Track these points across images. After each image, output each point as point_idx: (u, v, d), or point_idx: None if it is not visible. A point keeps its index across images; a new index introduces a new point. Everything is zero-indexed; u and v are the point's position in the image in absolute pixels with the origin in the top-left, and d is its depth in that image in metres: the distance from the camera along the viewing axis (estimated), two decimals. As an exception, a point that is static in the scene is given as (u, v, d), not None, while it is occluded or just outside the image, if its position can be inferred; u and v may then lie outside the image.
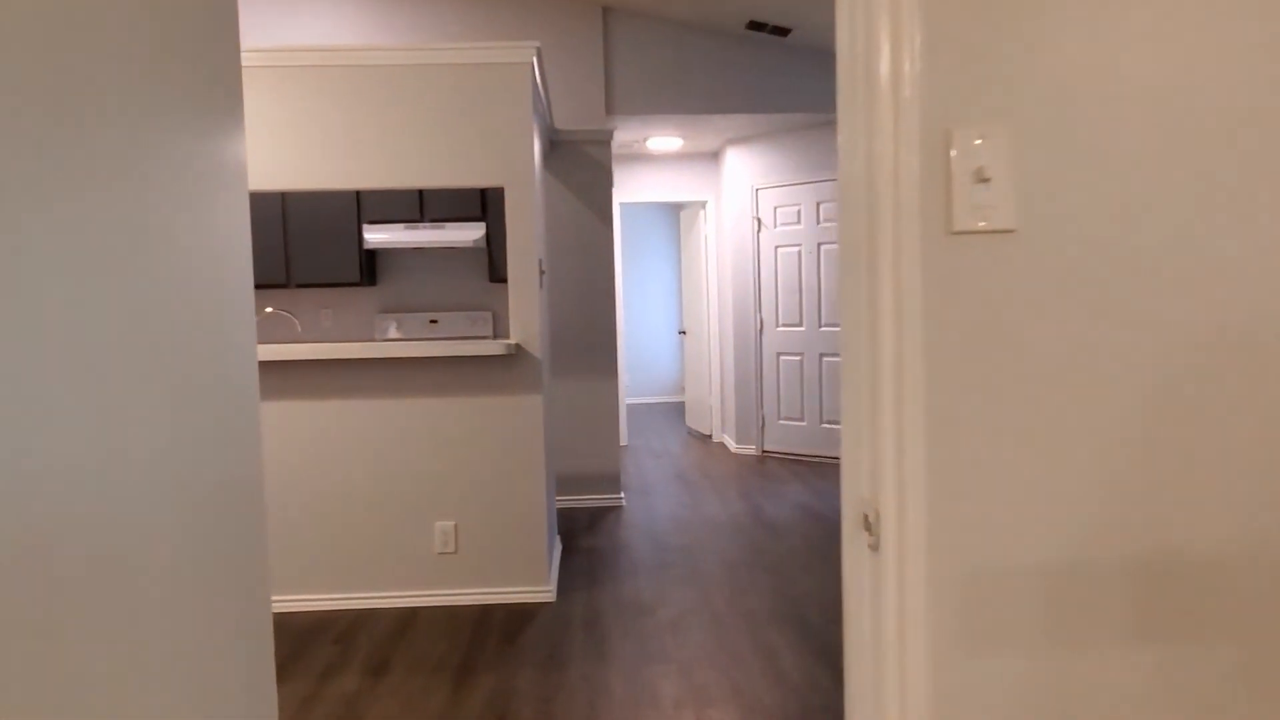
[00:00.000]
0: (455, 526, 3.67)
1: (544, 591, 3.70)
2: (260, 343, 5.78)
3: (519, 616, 3.54)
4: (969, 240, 1.07)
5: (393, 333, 5.92)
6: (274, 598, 3.64)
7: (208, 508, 0.99)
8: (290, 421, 3.60)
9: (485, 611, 3.60)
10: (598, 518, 5.19)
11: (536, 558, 3.70)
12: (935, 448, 1.07)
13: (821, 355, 6.69)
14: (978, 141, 1.06)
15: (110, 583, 0.79)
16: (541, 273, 3.79)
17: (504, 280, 5.89)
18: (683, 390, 10.94)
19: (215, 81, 1.06)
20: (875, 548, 1.10)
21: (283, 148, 3.53)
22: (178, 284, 0.95)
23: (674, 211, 10.88)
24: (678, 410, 10.16)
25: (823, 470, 6.37)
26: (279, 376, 3.58)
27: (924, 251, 1.06)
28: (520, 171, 3.58)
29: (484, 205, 5.77)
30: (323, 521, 3.64)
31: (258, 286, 5.69)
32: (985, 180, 1.06)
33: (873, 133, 1.07)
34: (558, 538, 4.46)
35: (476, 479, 3.66)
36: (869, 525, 1.11)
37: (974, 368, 1.08)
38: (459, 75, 3.55)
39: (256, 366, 1.19)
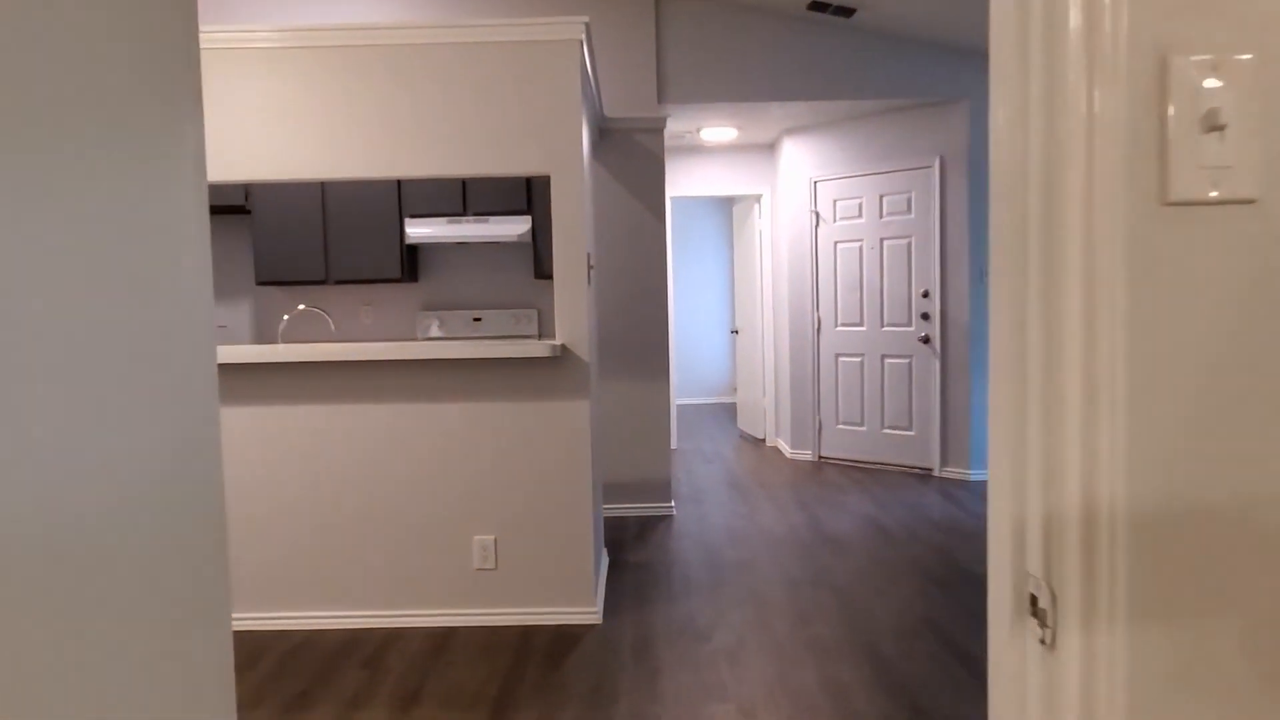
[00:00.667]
0: (495, 541, 3.42)
1: (590, 613, 3.43)
2: (291, 341, 5.61)
3: (563, 640, 3.27)
4: (1193, 214, 0.76)
5: (435, 331, 5.70)
6: (301, 614, 3.42)
7: (150, 521, 0.85)
8: (319, 426, 3.37)
9: (526, 634, 3.34)
10: (647, 528, 4.91)
11: (582, 576, 3.43)
12: (1141, 504, 0.76)
13: (884, 357, 6.32)
14: (1210, 80, 0.74)
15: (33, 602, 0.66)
16: (590, 268, 3.51)
17: (550, 277, 5.64)
18: (733, 391, 10.61)
19: (166, 66, 0.90)
20: (1050, 644, 0.79)
21: (316, 135, 3.30)
22: (120, 284, 0.80)
23: (725, 205, 10.55)
24: (727, 411, 9.83)
25: (883, 478, 6.01)
26: (308, 378, 3.36)
27: (1129, 231, 0.75)
28: (568, 158, 3.31)
29: (529, 198, 5.52)
30: (353, 533, 3.41)
31: (295, 283, 5.51)
32: (1218, 129, 0.74)
33: (1054, 67, 0.77)
34: (604, 551, 4.19)
35: (519, 490, 3.40)
36: (1038, 612, 0.80)
37: (1201, 392, 0.76)
38: (502, 54, 3.29)
39: (216, 369, 1.00)
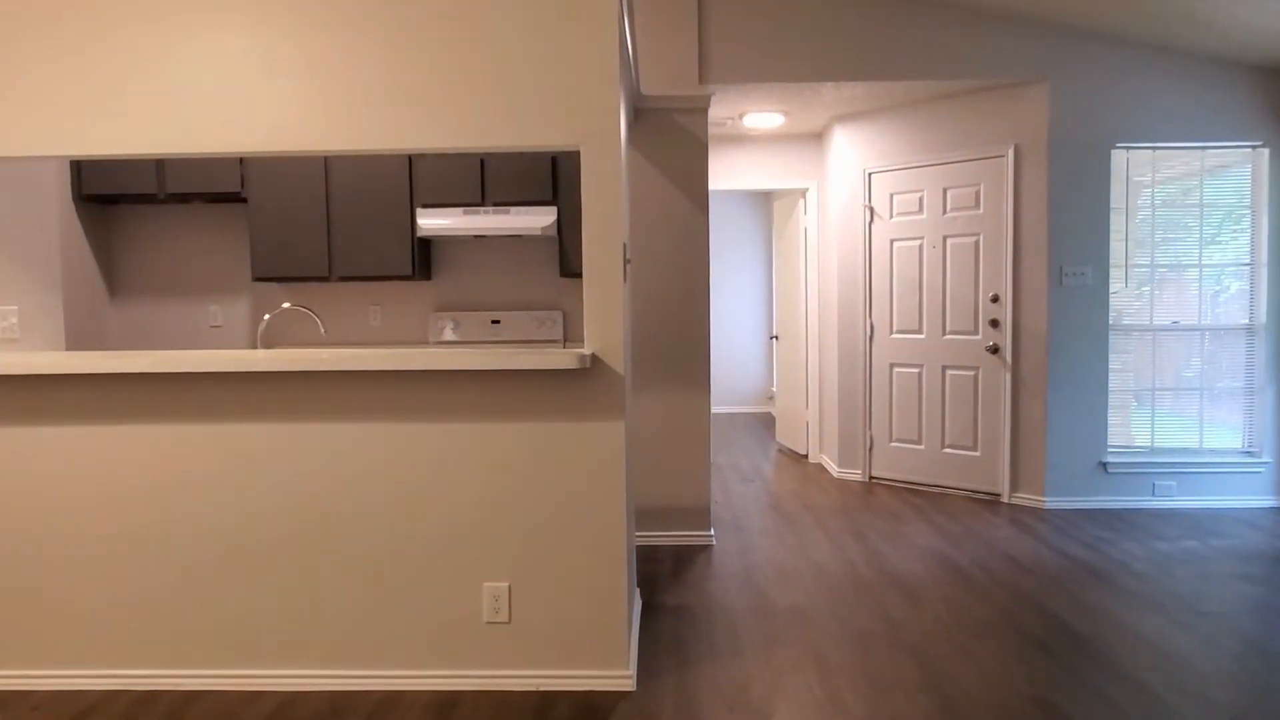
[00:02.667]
0: (509, 589, 2.84)
1: (621, 677, 2.84)
2: (274, 346, 5.08)
3: (589, 712, 2.68)
4: None
5: (449, 334, 5.15)
6: (277, 672, 2.86)
7: None
8: (299, 449, 2.81)
9: (545, 702, 2.76)
10: (684, 561, 4.32)
11: (613, 633, 2.85)
12: None
13: (945, 368, 5.69)
14: None
15: None
16: (626, 262, 2.93)
17: (576, 275, 5.07)
18: (768, 400, 10.01)
19: None
20: None
21: (306, 100, 2.75)
22: None
23: (765, 201, 9.95)
24: (762, 422, 9.22)
25: (945, 504, 5.38)
26: (286, 391, 2.80)
27: None
28: (602, 128, 2.73)
29: (555, 187, 4.96)
30: (343, 577, 2.85)
31: (292, 279, 4.98)
32: None
33: None
34: (637, 592, 3.61)
35: (538, 528, 2.83)
36: None
37: None
38: (525, 2, 2.72)
39: None
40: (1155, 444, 5.34)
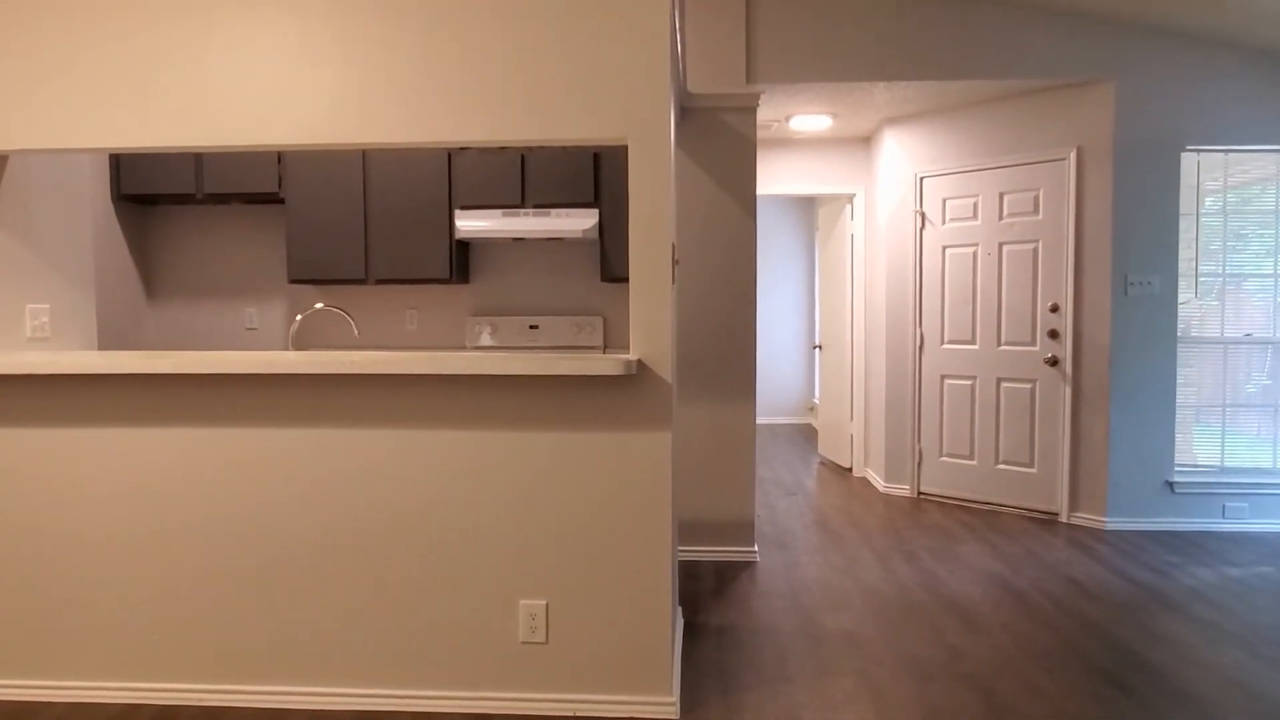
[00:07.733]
0: (546, 607, 2.69)
1: (665, 705, 2.67)
2: (306, 348, 4.99)
3: (629, 743, 2.52)
4: None
5: (486, 339, 5.03)
6: (302, 689, 2.74)
7: None
8: (329, 455, 2.69)
9: (583, 729, 2.60)
10: (726, 577, 4.13)
11: (656, 656, 2.68)
12: None
13: (1000, 380, 5.45)
14: None
15: None
16: (675, 263, 2.77)
17: (618, 279, 4.92)
18: (809, 410, 9.78)
19: None
20: None
21: (342, 92, 2.63)
22: None
23: (808, 206, 9.74)
24: (803, 433, 9.00)
25: (999, 523, 5.14)
26: (316, 393, 2.67)
27: None
28: (650, 119, 2.58)
29: (597, 188, 4.82)
30: (372, 591, 2.72)
31: (328, 282, 4.90)
32: None
33: None
34: (679, 611, 3.43)
35: (578, 543, 2.67)
36: None
37: None
38: (570, -11, 2.59)
39: None
40: (1225, 463, 5.06)
